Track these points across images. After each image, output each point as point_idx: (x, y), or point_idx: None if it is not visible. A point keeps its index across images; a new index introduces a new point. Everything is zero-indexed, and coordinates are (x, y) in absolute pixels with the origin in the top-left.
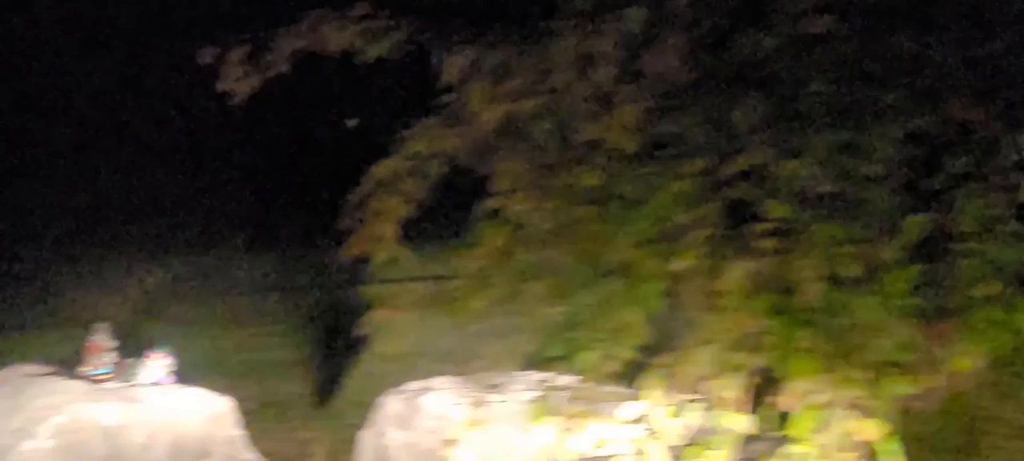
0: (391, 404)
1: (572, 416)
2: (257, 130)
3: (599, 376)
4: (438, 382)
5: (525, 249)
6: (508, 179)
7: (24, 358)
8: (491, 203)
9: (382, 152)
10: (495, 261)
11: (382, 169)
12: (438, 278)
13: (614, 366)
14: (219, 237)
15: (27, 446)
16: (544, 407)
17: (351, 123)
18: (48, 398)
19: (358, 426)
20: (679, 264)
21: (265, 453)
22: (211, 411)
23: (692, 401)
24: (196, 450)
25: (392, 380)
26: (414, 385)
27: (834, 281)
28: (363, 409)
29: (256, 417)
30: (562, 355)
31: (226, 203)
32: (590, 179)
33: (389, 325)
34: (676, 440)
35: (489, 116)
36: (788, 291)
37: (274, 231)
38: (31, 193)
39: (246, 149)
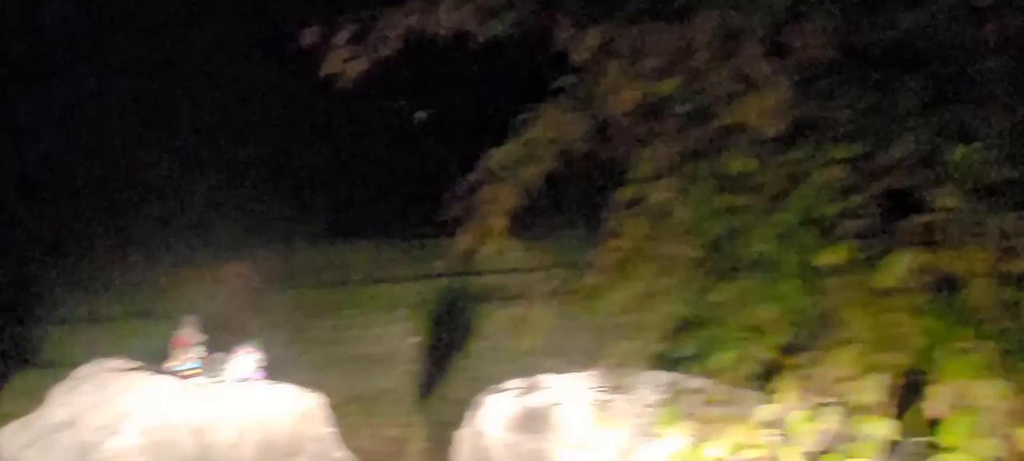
0: (494, 403)
1: (706, 422)
2: (360, 114)
3: (734, 378)
4: (547, 380)
5: (667, 240)
6: (651, 165)
7: (108, 352)
8: (628, 191)
9: (491, 139)
10: (634, 252)
11: (496, 156)
12: (548, 269)
13: (751, 367)
14: (309, 227)
15: (113, 444)
16: (674, 411)
17: (420, 116)
18: (135, 395)
19: (455, 425)
20: (828, 258)
21: (357, 451)
22: (301, 408)
23: (830, 405)
24: (285, 448)
25: (494, 377)
26: (519, 383)
27: (1005, 278)
28: (460, 407)
29: (347, 413)
30: (694, 355)
31: (319, 192)
32: (738, 165)
33: (497, 319)
34: (813, 446)
35: (626, 98)
36: (944, 287)
37: (370, 220)
38: (112, 182)
39: (344, 135)
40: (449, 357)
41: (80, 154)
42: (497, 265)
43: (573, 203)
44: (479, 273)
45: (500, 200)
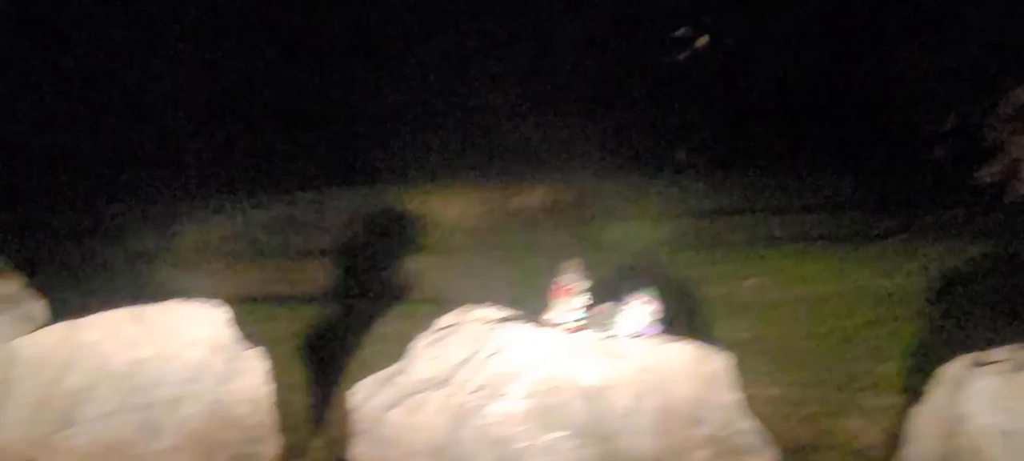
0: (973, 377)
1: None
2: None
3: None
4: None
5: None
6: None
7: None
8: None
9: None
10: None
11: None
12: None
13: None
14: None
15: (496, 408)
16: None
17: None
18: (515, 351)
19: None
20: None
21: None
22: (705, 370)
23: None
24: (686, 416)
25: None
26: (1003, 353)
27: None
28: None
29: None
30: None
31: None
32: None
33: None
34: None
35: None
36: None
37: None
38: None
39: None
40: None
41: None
42: None
43: None
44: None
45: None
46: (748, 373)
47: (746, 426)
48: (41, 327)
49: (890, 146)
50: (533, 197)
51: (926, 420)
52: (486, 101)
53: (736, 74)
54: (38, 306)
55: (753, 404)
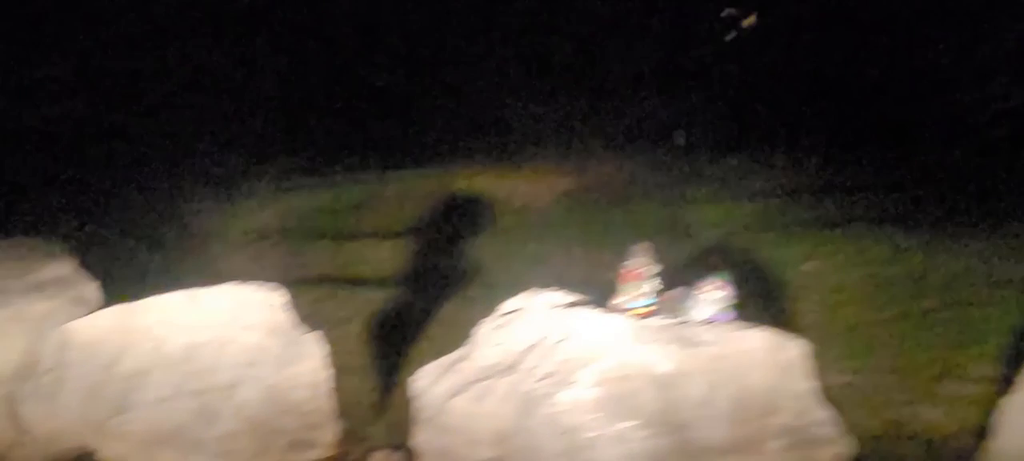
0: None
1: None
2: None
3: None
4: None
5: None
6: None
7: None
8: None
9: None
10: None
11: None
12: None
13: None
14: None
15: (565, 396)
16: None
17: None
18: (584, 337)
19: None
20: None
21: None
22: (780, 358)
23: None
24: (762, 406)
25: None
26: None
27: None
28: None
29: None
30: None
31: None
32: None
33: None
34: None
35: None
36: None
37: None
38: None
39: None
40: None
41: None
42: None
43: None
44: None
45: None
46: (817, 359)
47: (822, 415)
48: (94, 310)
49: (955, 125)
50: (599, 179)
51: (1019, 411)
52: (548, 83)
53: (789, 53)
54: (91, 289)
55: (825, 392)
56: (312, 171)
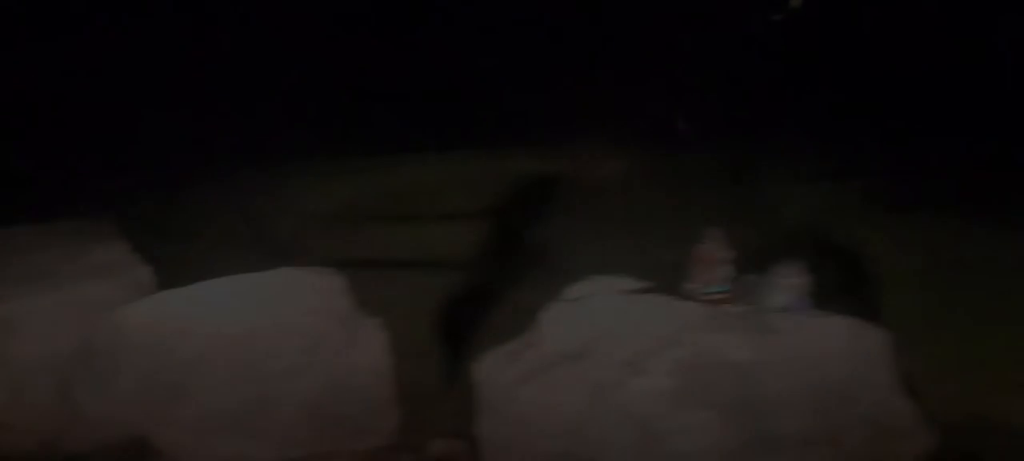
0: None
1: None
2: None
3: None
4: None
5: None
6: None
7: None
8: None
9: None
10: None
11: None
12: None
13: None
14: None
15: (639, 384)
16: None
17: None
18: (657, 324)
19: None
20: None
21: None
22: (860, 347)
23: None
24: (841, 396)
25: None
26: None
27: None
28: None
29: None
30: None
31: None
32: None
33: None
34: None
35: None
36: None
37: None
38: None
39: None
40: None
41: None
42: None
43: None
44: None
45: None
46: (897, 348)
47: (903, 406)
48: (148, 295)
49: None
50: (670, 163)
51: None
52: (618, 66)
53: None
54: (145, 272)
55: (906, 382)
56: (373, 153)
